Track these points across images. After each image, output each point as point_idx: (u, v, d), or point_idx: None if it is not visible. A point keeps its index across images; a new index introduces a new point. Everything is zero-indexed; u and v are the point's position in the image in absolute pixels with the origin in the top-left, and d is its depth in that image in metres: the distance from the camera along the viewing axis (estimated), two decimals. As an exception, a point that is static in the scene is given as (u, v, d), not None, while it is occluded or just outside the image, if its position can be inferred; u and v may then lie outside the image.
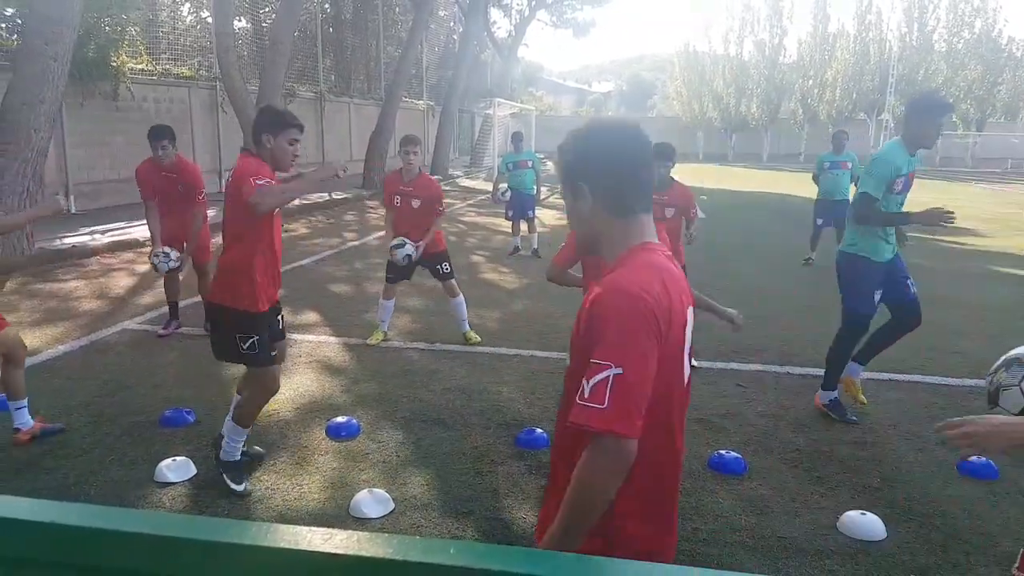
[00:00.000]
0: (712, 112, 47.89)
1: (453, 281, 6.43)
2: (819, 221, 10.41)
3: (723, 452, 4.24)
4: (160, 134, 6.14)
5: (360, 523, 3.49)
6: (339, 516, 3.56)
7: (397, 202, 6.23)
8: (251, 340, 3.61)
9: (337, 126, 24.60)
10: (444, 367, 5.79)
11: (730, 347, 6.42)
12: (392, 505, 3.62)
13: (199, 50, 19.07)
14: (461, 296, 6.48)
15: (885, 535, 3.48)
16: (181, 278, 6.70)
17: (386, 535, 0.87)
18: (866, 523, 3.52)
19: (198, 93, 17.63)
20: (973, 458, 4.18)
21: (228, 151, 17.78)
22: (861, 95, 44.84)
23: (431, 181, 6.34)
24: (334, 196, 18.10)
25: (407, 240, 6.06)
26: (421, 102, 31.95)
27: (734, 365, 5.95)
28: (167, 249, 6.07)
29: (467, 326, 6.52)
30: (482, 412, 4.88)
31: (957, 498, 3.84)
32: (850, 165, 10.14)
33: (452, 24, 36.74)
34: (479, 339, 6.44)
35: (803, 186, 25.27)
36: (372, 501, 3.60)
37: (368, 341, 6.37)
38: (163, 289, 6.77)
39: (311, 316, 7.32)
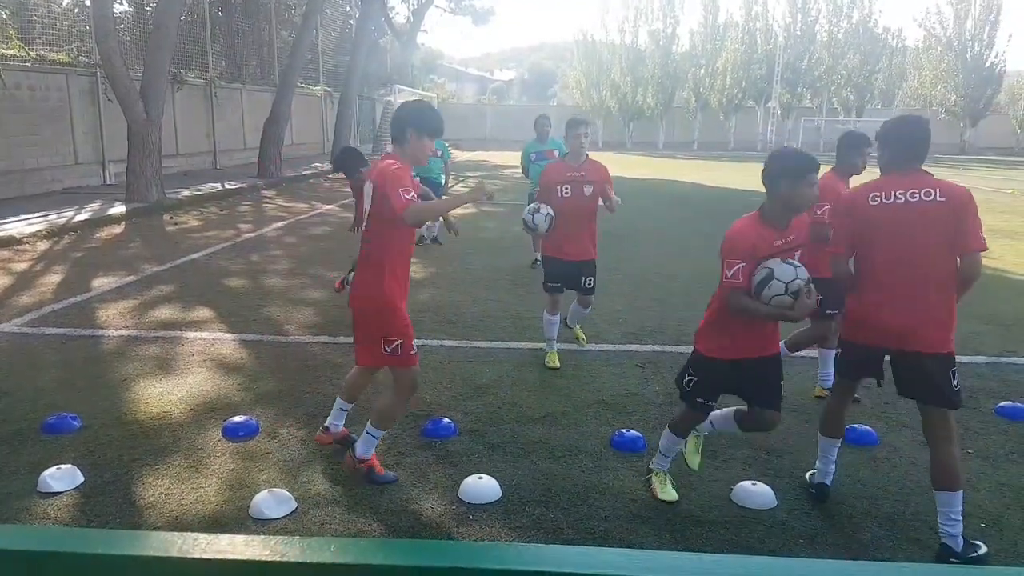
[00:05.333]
0: (610, 101, 48.76)
1: (592, 298, 5.70)
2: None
3: (623, 431, 4.36)
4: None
5: (261, 524, 3.40)
6: (238, 519, 3.45)
7: (566, 192, 5.34)
8: None
9: (229, 113, 23.61)
10: (349, 360, 5.65)
11: (629, 329, 6.60)
12: (294, 504, 3.54)
13: (77, 35, 17.85)
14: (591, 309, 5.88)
15: (776, 503, 3.67)
16: None
17: (263, 537, 0.85)
18: (757, 493, 3.71)
19: (77, 80, 16.52)
20: (855, 426, 4.47)
21: (111, 141, 16.78)
22: (750, 83, 46.71)
23: (599, 163, 5.53)
24: (227, 186, 17.42)
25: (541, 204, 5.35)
26: (318, 88, 31.10)
27: (634, 347, 6.13)
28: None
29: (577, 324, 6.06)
30: (387, 404, 4.83)
31: (841, 465, 4.08)
32: (556, 154, 8.98)
33: (348, 8, 35.85)
34: (585, 339, 6.11)
35: (696, 173, 26.24)
36: (273, 501, 3.50)
37: (549, 364, 5.63)
38: (56, 287, 6.33)
39: (204, 312, 7.03)
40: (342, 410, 4.19)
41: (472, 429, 4.48)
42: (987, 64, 45.58)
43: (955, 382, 3.25)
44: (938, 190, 3.20)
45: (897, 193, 3.24)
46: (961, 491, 3.25)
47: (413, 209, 3.38)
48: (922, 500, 3.70)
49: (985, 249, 3.22)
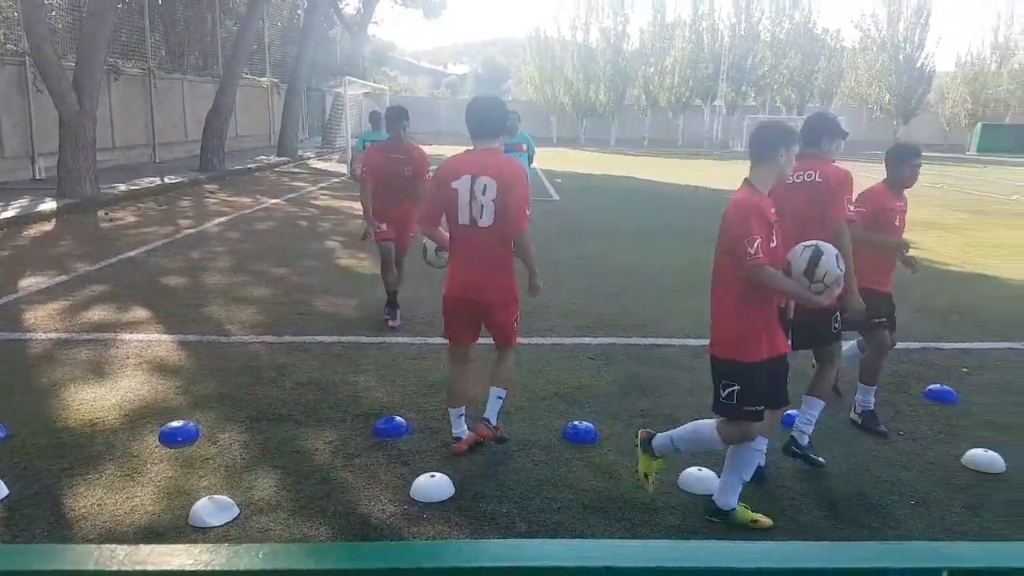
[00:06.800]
0: (564, 97, 48.91)
1: None
2: None
3: (576, 423, 4.35)
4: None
5: (201, 533, 3.27)
6: (177, 527, 3.30)
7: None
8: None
9: (168, 105, 22.91)
10: (295, 360, 5.55)
11: (582, 322, 6.60)
12: (236, 511, 3.41)
13: (3, 21, 17.12)
14: None
15: (721, 489, 3.71)
16: None
17: (185, 545, 0.79)
18: (703, 479, 3.77)
19: (4, 70, 15.82)
20: (794, 412, 4.56)
21: (42, 134, 16.12)
22: (697, 82, 47.38)
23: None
24: (166, 180, 16.90)
25: None
26: (264, 79, 30.43)
27: (586, 339, 6.12)
28: None
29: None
30: (337, 405, 4.71)
31: (780, 449, 4.15)
32: (525, 147, 8.97)
33: (296, -1, 35.18)
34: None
35: (646, 169, 26.51)
36: (213, 508, 3.36)
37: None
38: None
39: (140, 312, 6.76)
40: (461, 416, 4.17)
41: (425, 427, 4.41)
42: (918, 65, 47.16)
43: (837, 325, 4.02)
44: (818, 172, 3.94)
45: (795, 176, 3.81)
46: (824, 402, 4.07)
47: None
48: (861, 481, 3.83)
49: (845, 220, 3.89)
